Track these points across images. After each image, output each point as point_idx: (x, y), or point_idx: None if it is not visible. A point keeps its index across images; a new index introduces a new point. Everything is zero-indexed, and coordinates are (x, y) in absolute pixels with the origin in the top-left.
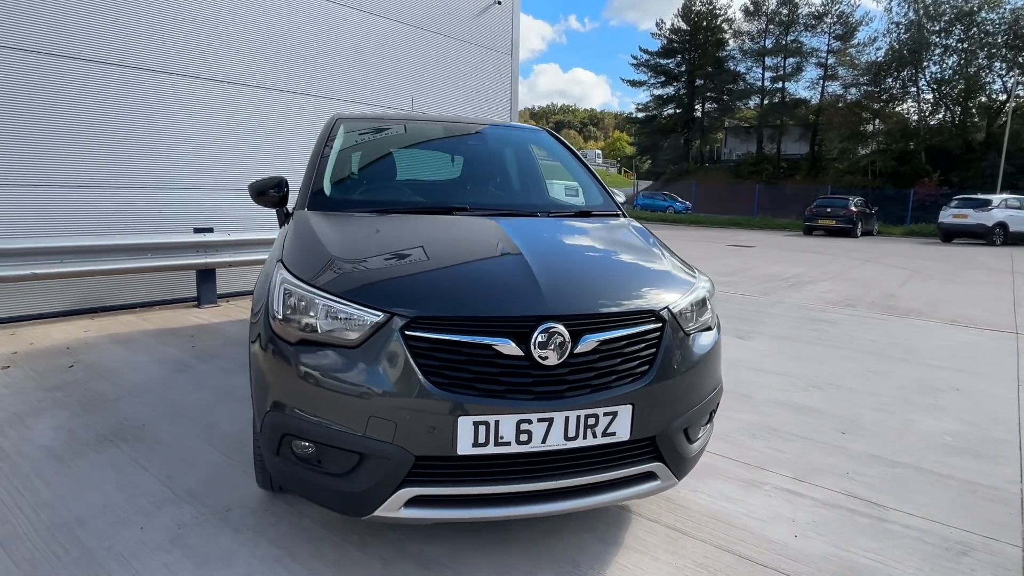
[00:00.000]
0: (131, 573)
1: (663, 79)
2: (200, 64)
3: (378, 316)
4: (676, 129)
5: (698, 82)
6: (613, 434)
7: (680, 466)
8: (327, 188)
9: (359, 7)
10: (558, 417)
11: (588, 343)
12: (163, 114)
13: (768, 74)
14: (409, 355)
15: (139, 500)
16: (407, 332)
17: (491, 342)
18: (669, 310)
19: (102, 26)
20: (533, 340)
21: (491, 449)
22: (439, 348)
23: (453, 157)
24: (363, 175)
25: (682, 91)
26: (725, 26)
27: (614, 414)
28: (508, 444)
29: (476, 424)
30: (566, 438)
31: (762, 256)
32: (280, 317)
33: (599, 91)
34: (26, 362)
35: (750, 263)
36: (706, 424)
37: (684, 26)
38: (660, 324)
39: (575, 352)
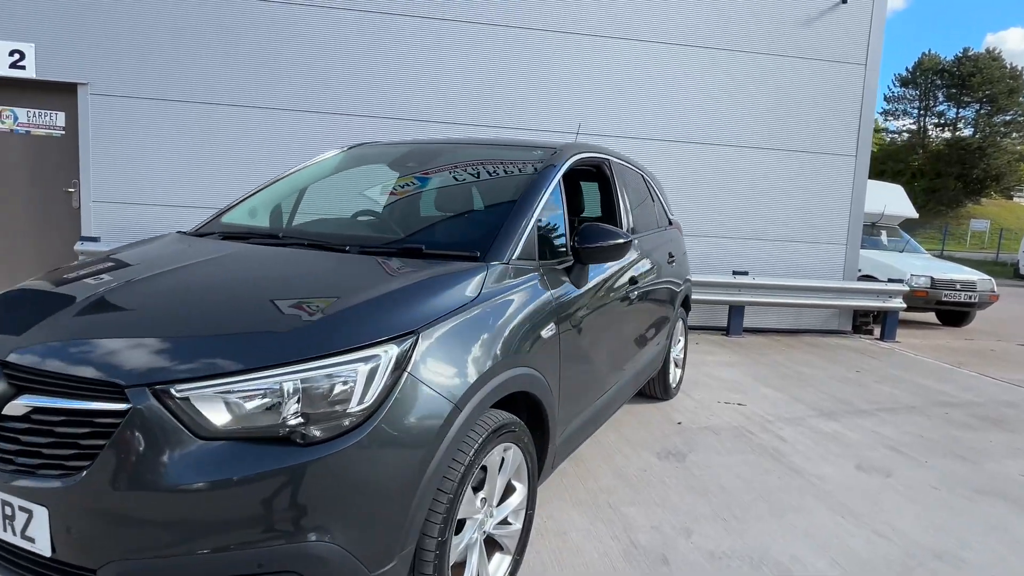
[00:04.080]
0: None
1: None
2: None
3: None
4: None
5: None
6: (32, 540)
7: None
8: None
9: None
10: None
11: (17, 405)
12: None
13: None
14: None
15: None
16: None
17: None
18: (151, 387)
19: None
20: None
21: None
22: None
23: (398, 187)
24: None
25: None
26: None
27: (28, 512)
28: None
29: None
30: None
31: None
32: None
33: None
34: None
35: None
36: None
37: None
38: (127, 407)
39: (2, 412)
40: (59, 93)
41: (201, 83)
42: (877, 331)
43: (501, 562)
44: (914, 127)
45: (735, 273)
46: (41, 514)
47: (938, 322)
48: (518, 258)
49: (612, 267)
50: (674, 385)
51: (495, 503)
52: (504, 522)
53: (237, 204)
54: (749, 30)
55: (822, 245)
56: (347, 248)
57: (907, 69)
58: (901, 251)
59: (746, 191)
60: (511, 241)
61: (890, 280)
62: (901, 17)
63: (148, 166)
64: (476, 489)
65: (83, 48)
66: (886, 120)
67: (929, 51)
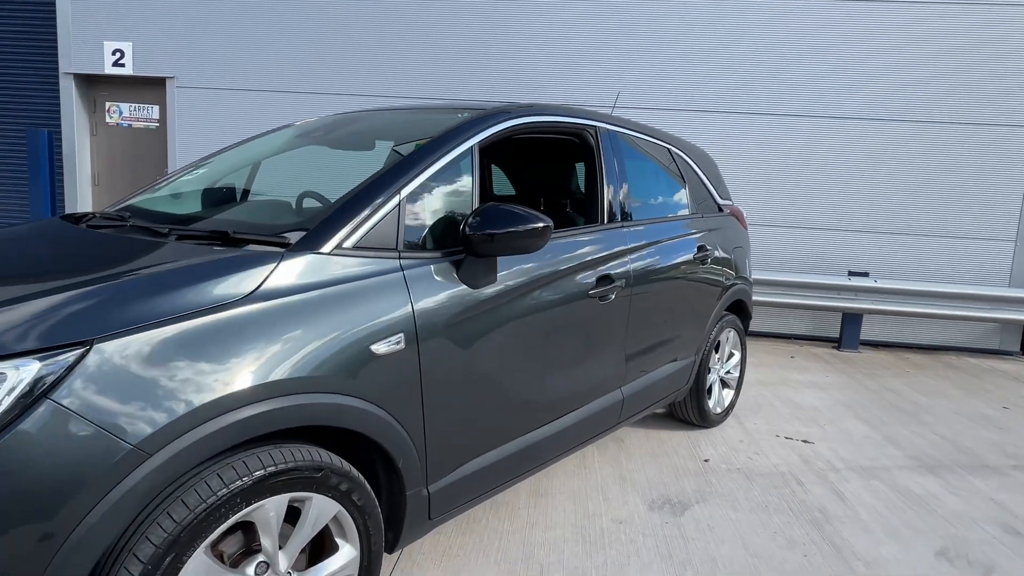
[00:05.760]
0: None
1: None
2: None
3: None
4: None
5: None
6: None
7: None
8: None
9: None
10: None
11: None
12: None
13: None
14: None
15: None
16: None
17: None
18: None
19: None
20: None
21: None
22: None
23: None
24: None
25: None
26: None
27: None
28: None
29: None
30: None
31: None
32: None
33: None
34: None
35: None
36: None
37: None
38: None
39: None
40: (153, 88)
41: (278, 72)
42: None
43: None
44: None
45: (851, 274)
46: None
47: None
48: (358, 247)
49: (558, 262)
50: (718, 411)
51: (283, 568)
52: None
53: (146, 189)
54: None
55: (979, 241)
56: (167, 232)
57: None
58: None
59: (868, 174)
60: (340, 225)
61: None
62: None
63: None
64: (255, 549)
65: (171, 44)
66: None
67: None
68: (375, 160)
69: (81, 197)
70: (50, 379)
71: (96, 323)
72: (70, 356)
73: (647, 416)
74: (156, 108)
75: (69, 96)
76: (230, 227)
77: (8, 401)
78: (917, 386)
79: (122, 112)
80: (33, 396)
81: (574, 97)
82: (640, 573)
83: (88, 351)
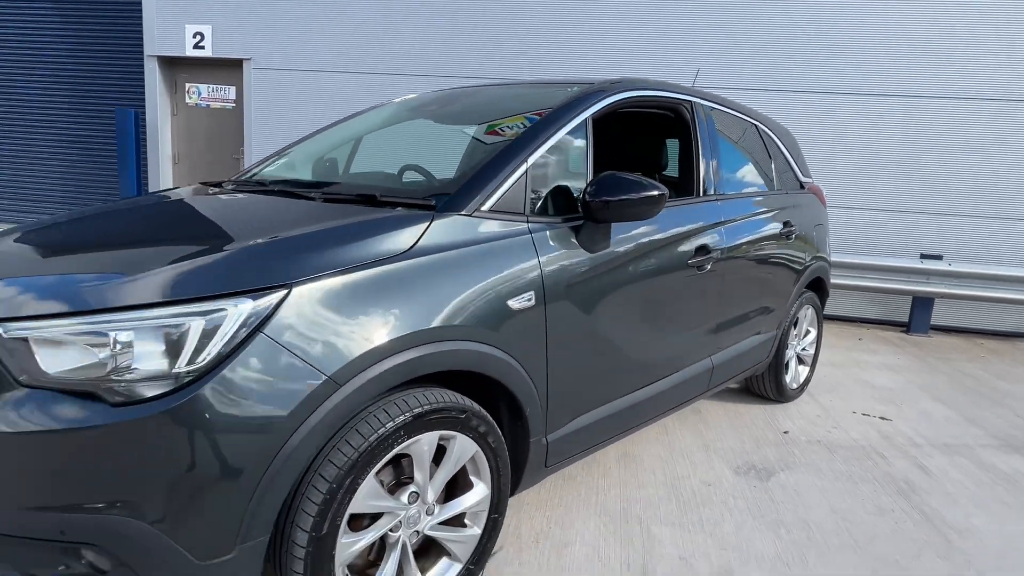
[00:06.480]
0: None
1: None
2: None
3: None
4: None
5: None
6: None
7: None
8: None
9: None
10: None
11: None
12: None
13: None
14: None
15: None
16: None
17: None
18: None
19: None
20: None
21: None
22: None
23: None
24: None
25: None
26: None
27: None
28: None
29: None
30: None
31: None
32: None
33: None
34: None
35: None
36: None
37: None
38: None
39: None
40: (230, 69)
41: (351, 53)
42: None
43: (447, 569)
44: None
45: (923, 257)
46: None
47: None
48: (493, 210)
49: (664, 230)
50: (795, 386)
51: (431, 499)
52: (457, 523)
53: (272, 158)
54: None
55: None
56: (314, 196)
57: None
58: None
59: (938, 154)
60: (480, 190)
61: None
62: None
63: (301, 133)
64: (406, 480)
65: (249, 26)
66: None
67: None
68: (483, 134)
69: (163, 174)
70: (261, 316)
71: (292, 269)
72: (274, 297)
73: (722, 390)
74: (232, 89)
75: (153, 78)
76: (376, 191)
77: (231, 332)
78: (994, 371)
79: (201, 93)
80: (249, 329)
81: (650, 74)
82: (736, 530)
83: (288, 293)
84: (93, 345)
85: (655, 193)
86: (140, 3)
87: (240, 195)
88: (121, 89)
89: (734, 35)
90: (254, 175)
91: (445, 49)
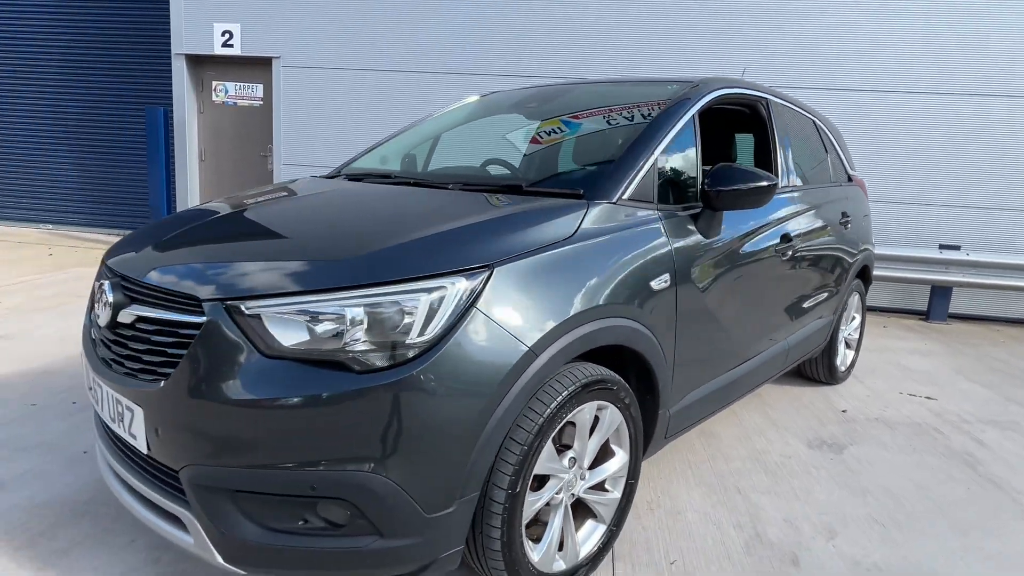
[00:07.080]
0: None
1: None
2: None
3: None
4: None
5: None
6: (135, 437)
7: (220, 544)
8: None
9: None
10: (104, 389)
11: (127, 314)
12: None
13: None
14: None
15: None
16: None
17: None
18: (224, 302)
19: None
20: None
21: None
22: None
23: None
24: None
25: None
26: None
27: (132, 412)
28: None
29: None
30: (110, 418)
31: None
32: None
33: None
34: None
35: None
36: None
37: None
38: (203, 320)
39: (118, 320)
40: (258, 67)
41: (380, 51)
42: None
43: (593, 530)
44: None
45: (942, 247)
46: (139, 414)
47: None
48: (630, 199)
49: (757, 219)
50: (843, 368)
51: (586, 464)
52: (600, 488)
53: (370, 151)
54: None
55: None
56: (449, 186)
57: None
58: None
59: (959, 147)
60: (622, 179)
61: None
62: None
63: (329, 131)
64: (564, 447)
65: (277, 25)
66: None
67: None
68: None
69: (190, 172)
70: (475, 293)
71: (493, 251)
72: (483, 276)
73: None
74: (260, 87)
75: (181, 76)
76: (521, 181)
77: (452, 306)
78: (1019, 354)
79: (228, 91)
80: (465, 306)
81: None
82: (827, 496)
83: (492, 273)
84: (330, 320)
85: (767, 184)
86: (168, 1)
87: (376, 186)
88: (148, 87)
89: (771, 37)
90: (357, 167)
91: (474, 47)
